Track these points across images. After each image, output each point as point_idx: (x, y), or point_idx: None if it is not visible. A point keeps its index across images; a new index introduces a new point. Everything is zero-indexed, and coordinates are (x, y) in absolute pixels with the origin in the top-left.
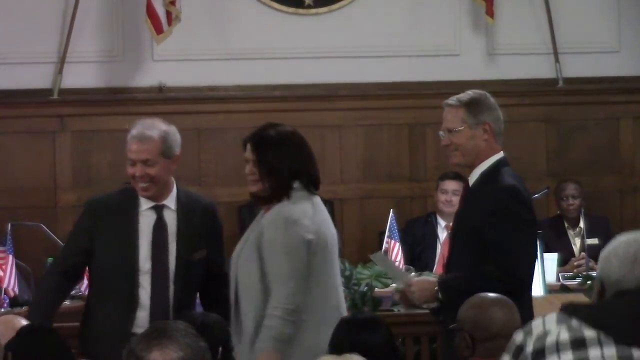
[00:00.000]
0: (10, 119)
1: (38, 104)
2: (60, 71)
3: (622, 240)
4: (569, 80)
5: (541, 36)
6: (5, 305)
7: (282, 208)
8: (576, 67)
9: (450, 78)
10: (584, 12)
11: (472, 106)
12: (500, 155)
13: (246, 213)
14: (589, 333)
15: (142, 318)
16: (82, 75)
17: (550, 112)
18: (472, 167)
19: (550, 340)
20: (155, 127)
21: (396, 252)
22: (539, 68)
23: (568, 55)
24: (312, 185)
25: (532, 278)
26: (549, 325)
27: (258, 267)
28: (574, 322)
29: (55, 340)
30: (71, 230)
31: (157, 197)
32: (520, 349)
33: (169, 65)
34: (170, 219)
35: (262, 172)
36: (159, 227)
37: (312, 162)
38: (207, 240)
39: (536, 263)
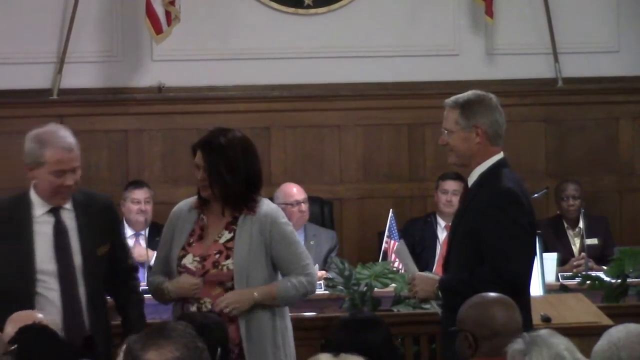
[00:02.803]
0: (10, 119)
1: (37, 104)
2: (59, 71)
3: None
4: (568, 80)
5: (540, 36)
6: None
7: (272, 205)
8: (575, 67)
9: (449, 78)
10: (583, 12)
11: (466, 109)
12: (499, 156)
13: None
14: None
15: (52, 320)
16: (81, 75)
17: (550, 112)
18: (468, 167)
19: None
20: (68, 134)
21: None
22: (539, 68)
23: (567, 55)
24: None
25: (529, 281)
26: None
27: (269, 266)
28: None
29: (55, 339)
30: None
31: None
32: None
33: (168, 65)
34: (69, 218)
35: (212, 178)
36: (59, 229)
37: (259, 167)
38: (108, 234)
39: (534, 264)
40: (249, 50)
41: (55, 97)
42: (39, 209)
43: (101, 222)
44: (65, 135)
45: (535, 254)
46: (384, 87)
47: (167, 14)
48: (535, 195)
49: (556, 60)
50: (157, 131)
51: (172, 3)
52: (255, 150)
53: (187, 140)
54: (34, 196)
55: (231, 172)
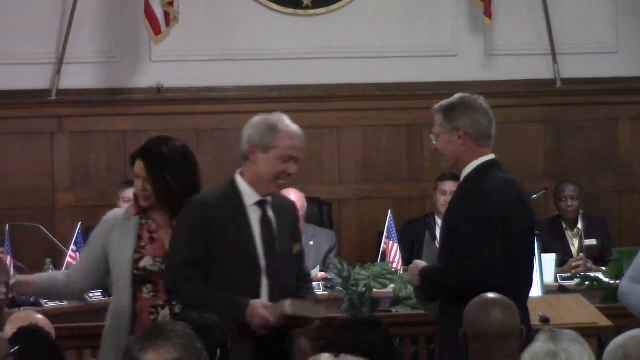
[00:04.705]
0: (9, 119)
1: (36, 104)
2: (58, 72)
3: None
4: (567, 81)
5: (539, 37)
6: None
7: None
8: (574, 68)
9: (448, 79)
10: (582, 13)
11: (448, 111)
12: (488, 157)
13: None
14: None
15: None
16: (80, 76)
17: (548, 113)
18: (459, 170)
19: None
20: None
21: (394, 253)
22: (537, 69)
23: (566, 56)
24: None
25: (499, 280)
26: None
27: None
28: None
29: (47, 340)
30: (179, 230)
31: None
32: None
33: (167, 66)
34: (271, 214)
35: (157, 189)
36: (265, 222)
37: (200, 174)
38: (297, 235)
39: (516, 266)
40: (248, 51)
41: (54, 97)
42: (249, 198)
43: (292, 222)
44: (294, 124)
45: (497, 250)
46: (382, 88)
47: (166, 14)
48: (534, 196)
49: (555, 61)
50: (155, 132)
51: (171, 4)
52: (195, 158)
53: (185, 141)
54: (242, 185)
55: (176, 180)
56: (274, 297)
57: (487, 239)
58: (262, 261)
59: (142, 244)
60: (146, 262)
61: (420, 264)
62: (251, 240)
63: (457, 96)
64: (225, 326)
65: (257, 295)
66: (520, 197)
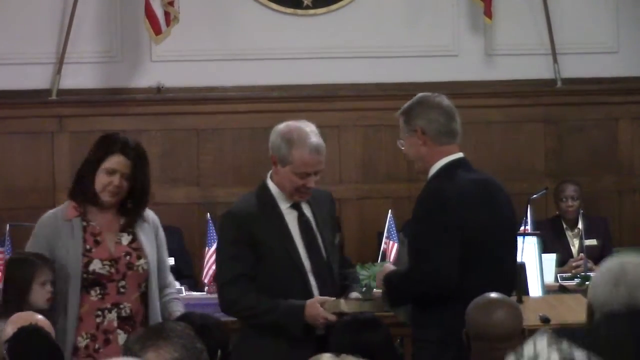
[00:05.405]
0: (9, 119)
1: (37, 104)
2: (58, 72)
3: (606, 265)
4: (567, 81)
5: (539, 37)
6: None
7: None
8: (575, 68)
9: (448, 79)
10: (582, 13)
11: (406, 114)
12: (454, 156)
13: None
14: (579, 354)
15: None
16: (80, 75)
17: (549, 113)
18: (426, 172)
19: None
20: (317, 133)
21: (395, 253)
22: (538, 68)
23: (566, 56)
24: None
25: (460, 284)
26: (540, 348)
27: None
28: (564, 345)
29: (46, 340)
30: (223, 247)
31: None
32: None
33: (168, 65)
34: (307, 211)
35: (136, 188)
36: (304, 222)
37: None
38: (335, 225)
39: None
40: (248, 50)
41: (54, 97)
42: (283, 202)
43: (330, 212)
44: (314, 135)
45: (455, 255)
46: (383, 88)
47: (166, 14)
48: (535, 195)
49: (555, 60)
50: (156, 132)
51: (171, 3)
52: None
53: (186, 140)
54: (274, 189)
55: (148, 183)
56: (325, 294)
57: (445, 245)
58: (307, 263)
59: (88, 247)
60: (95, 265)
61: (389, 267)
62: (292, 245)
63: (416, 97)
64: (289, 328)
65: (309, 297)
66: (490, 198)
